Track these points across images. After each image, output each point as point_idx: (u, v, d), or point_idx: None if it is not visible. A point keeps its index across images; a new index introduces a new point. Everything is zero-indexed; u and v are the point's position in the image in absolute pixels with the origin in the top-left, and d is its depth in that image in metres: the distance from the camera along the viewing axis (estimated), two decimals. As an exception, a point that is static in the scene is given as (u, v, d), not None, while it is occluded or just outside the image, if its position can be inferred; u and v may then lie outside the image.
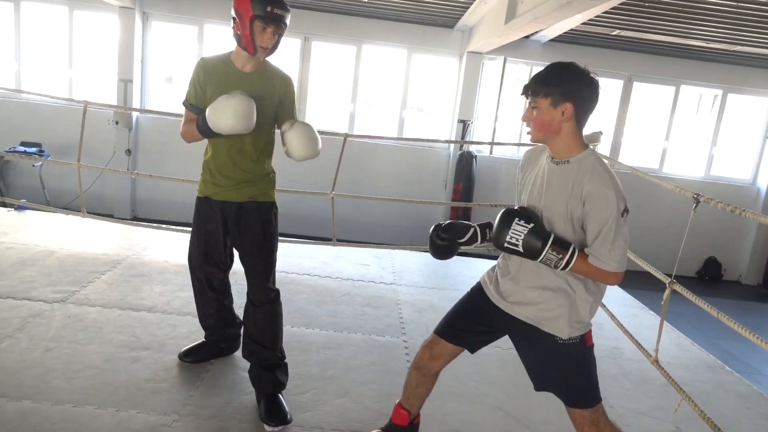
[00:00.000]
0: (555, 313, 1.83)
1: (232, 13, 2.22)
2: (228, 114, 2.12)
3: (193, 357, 2.78)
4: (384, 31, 9.28)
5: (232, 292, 2.81)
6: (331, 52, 9.64)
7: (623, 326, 3.42)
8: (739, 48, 7.65)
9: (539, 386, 1.99)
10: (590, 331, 1.92)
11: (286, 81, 2.40)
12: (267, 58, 2.34)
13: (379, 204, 8.77)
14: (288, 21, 2.25)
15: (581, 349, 1.88)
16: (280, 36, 2.25)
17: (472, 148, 9.31)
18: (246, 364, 2.60)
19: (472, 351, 2.09)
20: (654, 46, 8.35)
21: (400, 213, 9.46)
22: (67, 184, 8.57)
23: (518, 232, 1.75)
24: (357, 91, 9.58)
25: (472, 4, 7.54)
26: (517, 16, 6.49)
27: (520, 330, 1.92)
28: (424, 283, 4.41)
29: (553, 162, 1.83)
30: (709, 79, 8.99)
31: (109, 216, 6.16)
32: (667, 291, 2.87)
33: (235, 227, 2.45)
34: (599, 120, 9.02)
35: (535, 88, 1.79)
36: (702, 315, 3.05)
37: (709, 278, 9.01)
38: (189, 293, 3.56)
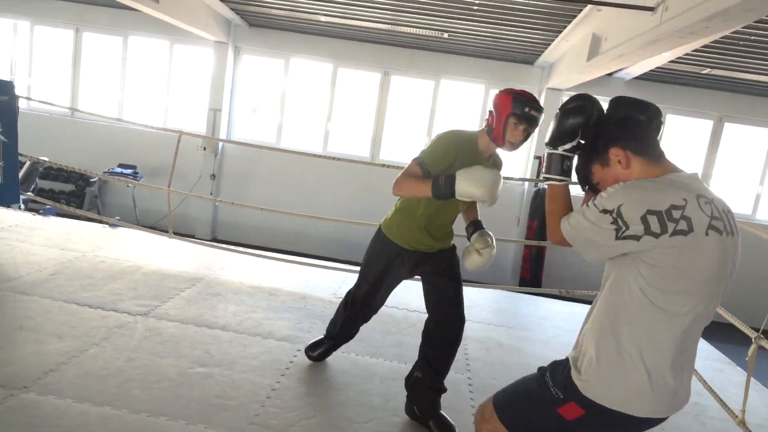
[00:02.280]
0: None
1: (491, 106, 2.44)
2: (483, 185, 2.30)
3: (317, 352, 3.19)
4: (462, 66, 9.39)
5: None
6: (410, 86, 9.83)
7: (706, 381, 3.19)
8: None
9: None
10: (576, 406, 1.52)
11: (501, 164, 2.69)
12: None
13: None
14: (539, 122, 2.41)
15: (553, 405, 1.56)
16: (528, 134, 2.43)
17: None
18: (312, 388, 2.63)
19: None
20: (747, 85, 7.93)
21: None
22: (156, 205, 9.17)
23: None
24: (433, 124, 9.69)
25: (553, 41, 7.50)
26: (600, 54, 6.38)
27: None
28: (492, 320, 4.32)
29: None
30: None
31: (191, 236, 6.51)
32: (753, 346, 2.68)
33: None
34: (687, 162, 8.59)
35: (578, 180, 1.73)
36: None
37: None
38: (261, 314, 3.71)
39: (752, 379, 2.81)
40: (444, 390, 2.74)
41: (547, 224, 1.68)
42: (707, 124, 8.73)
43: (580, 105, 1.67)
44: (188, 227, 9.38)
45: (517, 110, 2.33)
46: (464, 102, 9.79)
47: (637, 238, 1.42)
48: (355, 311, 2.92)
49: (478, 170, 2.31)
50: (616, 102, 1.66)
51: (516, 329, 4.21)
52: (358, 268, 5.02)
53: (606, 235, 1.46)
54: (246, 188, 9.66)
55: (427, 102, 9.67)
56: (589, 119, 1.65)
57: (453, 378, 3.24)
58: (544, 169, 1.71)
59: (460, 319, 2.69)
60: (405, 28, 8.09)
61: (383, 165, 5.63)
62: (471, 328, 4.08)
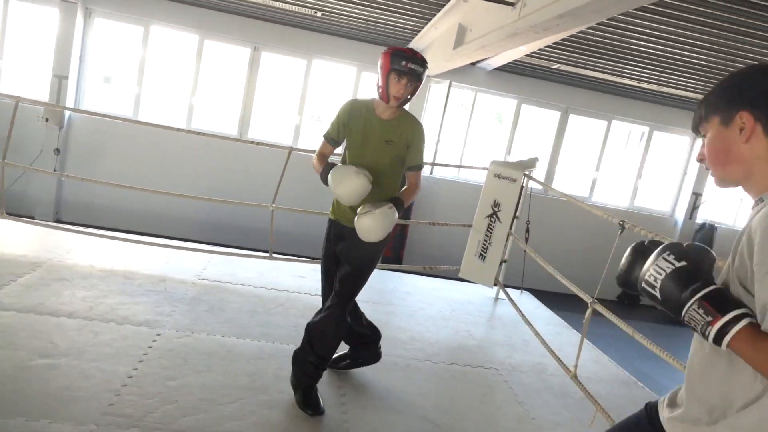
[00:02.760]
0: None
1: (378, 66, 2.54)
2: (344, 188, 2.46)
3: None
4: (335, 46, 9.35)
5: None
6: (281, 64, 9.61)
7: (547, 343, 3.55)
8: (665, 89, 8.20)
9: None
10: None
11: (415, 129, 2.64)
12: (406, 108, 2.66)
13: (316, 218, 8.76)
14: (424, 77, 2.53)
15: None
16: (414, 89, 2.54)
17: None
18: (174, 373, 2.51)
19: None
20: (590, 81, 8.82)
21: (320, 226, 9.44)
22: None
23: (661, 269, 1.15)
24: (304, 104, 9.58)
25: (423, 27, 7.73)
26: (465, 43, 6.71)
27: None
28: (359, 297, 4.42)
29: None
30: (638, 116, 9.56)
31: (29, 218, 5.85)
32: (589, 310, 3.02)
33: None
34: (535, 148, 9.40)
35: (700, 112, 1.27)
36: (620, 336, 3.22)
37: (628, 302, 9.47)
38: (115, 299, 3.46)
39: (585, 340, 3.18)
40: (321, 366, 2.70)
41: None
42: (555, 115, 9.58)
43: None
44: (26, 208, 8.39)
45: (396, 65, 2.45)
46: (337, 83, 9.79)
47: None
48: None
49: (347, 172, 2.46)
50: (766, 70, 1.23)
51: (381, 305, 4.35)
52: (224, 249, 4.87)
53: None
54: (96, 165, 8.82)
55: (299, 81, 9.53)
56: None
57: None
58: (700, 330, 1.09)
59: (331, 310, 2.67)
60: (277, 3, 7.87)
61: (252, 142, 5.46)
62: (339, 306, 4.15)
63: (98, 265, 4.04)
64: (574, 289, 3.36)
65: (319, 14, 8.17)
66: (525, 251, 4.58)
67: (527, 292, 5.25)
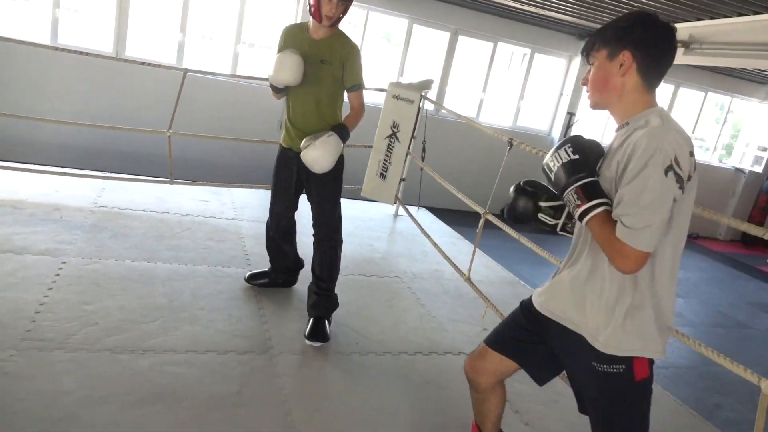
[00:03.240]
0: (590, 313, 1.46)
1: None
2: (278, 67, 2.54)
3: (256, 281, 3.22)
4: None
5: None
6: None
7: (444, 252, 3.93)
8: (546, 12, 8.65)
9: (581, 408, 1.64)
10: (647, 360, 1.45)
11: (348, 48, 2.66)
12: (341, 29, 2.68)
13: (212, 143, 8.49)
14: None
15: (624, 381, 1.45)
16: (345, 8, 2.58)
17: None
18: (88, 297, 2.53)
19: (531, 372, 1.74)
20: (478, 2, 9.05)
21: (234, 153, 9.25)
22: None
23: (559, 158, 1.44)
24: (187, 19, 8.95)
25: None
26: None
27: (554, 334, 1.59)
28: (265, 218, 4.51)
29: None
30: (521, 38, 10.04)
31: None
32: (482, 220, 3.38)
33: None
34: (427, 69, 9.63)
35: (593, 42, 1.49)
36: (506, 245, 3.64)
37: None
38: (6, 230, 3.32)
39: (477, 248, 3.55)
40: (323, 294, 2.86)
41: (612, 260, 1.35)
42: (445, 36, 9.79)
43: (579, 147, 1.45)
44: None
45: None
46: (221, -2, 9.20)
47: (685, 183, 1.34)
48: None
49: (276, 57, 2.58)
50: (654, 21, 1.43)
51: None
52: (116, 175, 4.68)
53: (675, 196, 1.33)
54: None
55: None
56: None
57: (236, 272, 3.40)
58: (572, 210, 1.42)
59: (329, 242, 2.87)
60: None
61: (143, 63, 5.12)
62: (245, 227, 4.23)
63: (-22, 196, 3.76)
64: (468, 202, 3.71)
65: None
66: (422, 170, 4.87)
67: (424, 209, 5.62)
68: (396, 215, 5.27)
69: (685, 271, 9.39)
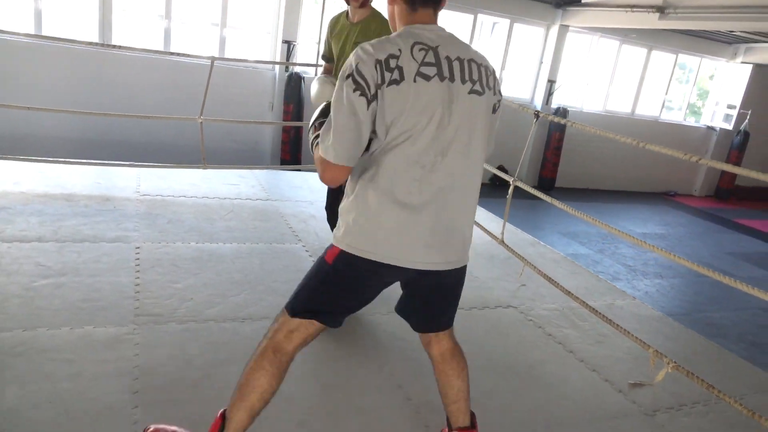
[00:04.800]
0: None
1: None
2: (314, 96, 2.86)
3: None
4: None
5: None
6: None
7: (480, 224, 4.25)
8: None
9: None
10: (338, 249, 1.59)
11: (379, 25, 2.65)
12: (377, 9, 2.71)
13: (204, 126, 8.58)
14: None
15: (320, 259, 1.66)
16: None
17: (299, 69, 9.49)
18: (174, 277, 2.79)
19: None
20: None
21: (226, 136, 9.35)
22: None
23: (319, 109, 1.72)
24: (171, 6, 8.92)
25: None
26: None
27: None
28: (297, 197, 4.76)
29: None
30: (501, 9, 10.31)
31: None
32: (512, 187, 3.70)
33: None
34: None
35: None
36: (516, 213, 3.93)
37: (499, 183, 10.76)
38: (73, 221, 3.51)
39: (491, 214, 3.87)
40: None
41: (319, 175, 1.58)
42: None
43: None
44: None
45: None
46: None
47: (376, 92, 1.42)
48: None
49: (315, 82, 2.89)
50: None
51: (320, 203, 4.73)
52: (153, 163, 4.84)
53: (360, 108, 1.42)
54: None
55: (163, -20, 8.77)
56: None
57: (291, 248, 3.65)
58: (311, 140, 1.66)
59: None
60: None
61: (115, 46, 5.22)
62: (281, 206, 4.47)
63: (29, 191, 3.90)
64: (496, 171, 4.02)
65: None
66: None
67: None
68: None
69: (668, 227, 10.00)
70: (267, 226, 4.00)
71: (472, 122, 1.54)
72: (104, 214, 3.71)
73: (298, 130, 9.36)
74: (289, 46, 9.59)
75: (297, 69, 9.49)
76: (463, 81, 1.51)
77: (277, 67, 9.50)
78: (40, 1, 8.19)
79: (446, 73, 1.47)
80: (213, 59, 4.52)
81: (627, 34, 11.05)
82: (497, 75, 1.63)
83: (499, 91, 1.63)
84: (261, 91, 9.66)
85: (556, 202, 3.42)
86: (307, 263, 3.45)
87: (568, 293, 3.11)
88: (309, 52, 9.61)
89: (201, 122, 4.55)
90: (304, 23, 9.49)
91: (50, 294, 2.65)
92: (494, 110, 1.63)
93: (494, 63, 10.67)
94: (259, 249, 3.57)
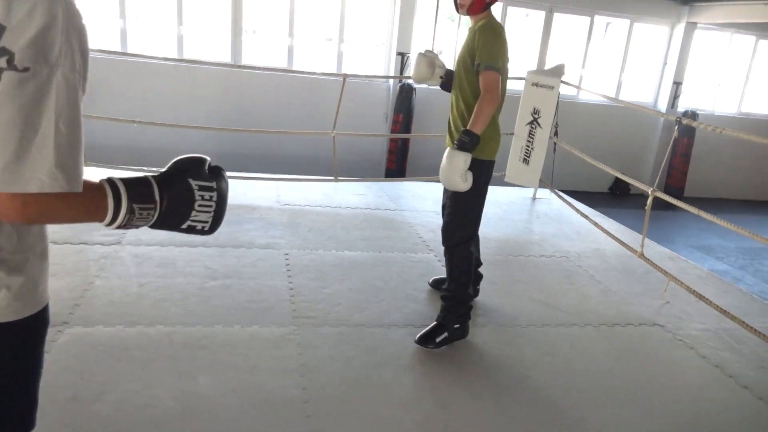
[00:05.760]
0: None
1: None
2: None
3: None
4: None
5: None
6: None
7: (607, 230, 4.15)
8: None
9: None
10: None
11: (479, 30, 2.51)
12: (491, 17, 2.57)
13: (322, 139, 9.03)
14: None
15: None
16: None
17: (411, 80, 9.67)
18: (322, 283, 3.01)
19: None
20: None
21: (343, 147, 9.72)
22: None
23: None
24: (293, 23, 9.49)
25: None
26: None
27: None
28: (423, 208, 4.89)
29: None
30: (620, 9, 9.89)
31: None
32: (650, 198, 3.57)
33: None
34: (522, 51, 9.70)
35: None
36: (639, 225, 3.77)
37: (619, 192, 10.29)
38: (226, 228, 3.83)
39: (622, 226, 3.73)
40: (444, 298, 2.75)
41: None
42: (539, 15, 9.82)
43: None
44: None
45: None
46: (324, 1, 9.68)
47: None
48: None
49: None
50: None
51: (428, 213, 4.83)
52: (291, 176, 5.20)
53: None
54: (92, 103, 8.70)
55: (286, 1, 9.37)
56: None
57: (425, 258, 3.77)
58: None
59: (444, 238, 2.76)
60: None
61: (305, 73, 5.61)
62: (409, 216, 4.62)
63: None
64: (631, 181, 3.91)
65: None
66: (554, 153, 5.10)
67: (556, 190, 5.82)
68: (534, 198, 5.51)
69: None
70: (398, 235, 4.16)
71: None
72: (253, 222, 4.05)
73: (405, 140, 9.56)
74: (402, 57, 9.84)
75: (409, 80, 9.68)
76: None
77: (390, 78, 9.76)
78: (182, 28, 9.08)
79: None
80: (345, 76, 4.77)
81: (765, 29, 10.15)
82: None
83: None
84: (376, 102, 9.97)
85: (706, 215, 3.25)
86: (441, 272, 3.55)
87: (724, 312, 2.95)
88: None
89: (334, 136, 4.82)
90: (418, 35, 9.67)
91: (221, 294, 2.95)
92: None
93: (612, 65, 10.25)
94: (394, 258, 3.73)
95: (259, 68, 5.37)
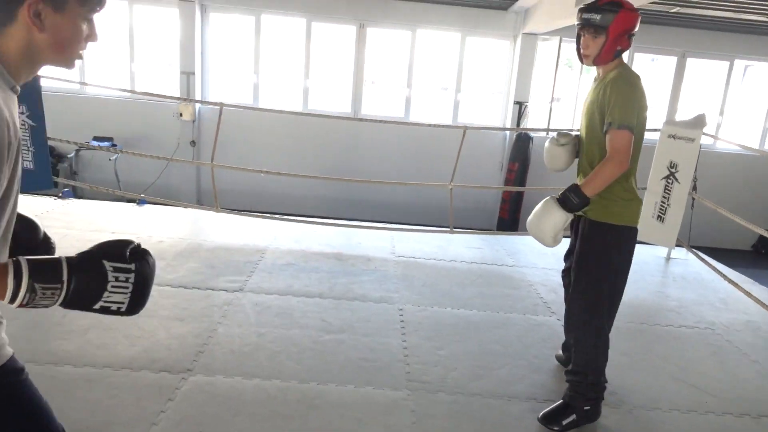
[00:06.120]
0: None
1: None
2: (546, 157, 2.68)
3: None
4: (438, 14, 9.38)
5: None
6: (387, 38, 9.78)
7: (761, 301, 3.64)
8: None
9: None
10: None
11: (609, 83, 2.25)
12: (623, 67, 2.31)
13: (433, 189, 9.01)
14: (609, 21, 2.18)
15: None
16: (602, 40, 2.21)
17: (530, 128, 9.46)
18: (438, 343, 2.87)
19: None
20: (709, 21, 8.41)
21: (456, 196, 9.63)
22: (138, 177, 8.81)
23: None
24: (412, 75, 9.72)
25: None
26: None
27: None
28: (544, 264, 4.62)
29: None
30: (763, 52, 9.05)
31: (239, 210, 6.40)
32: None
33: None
34: (653, 98, 9.13)
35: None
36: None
37: (765, 251, 9.17)
38: (343, 279, 3.86)
39: None
40: (570, 380, 2.48)
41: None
42: (672, 60, 9.24)
43: None
44: (172, 195, 9.10)
45: (576, 20, 2.26)
46: (442, 51, 9.85)
47: None
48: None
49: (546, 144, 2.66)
50: None
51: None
52: (406, 226, 5.16)
53: None
54: (225, 153, 9.39)
55: (405, 53, 9.66)
56: None
57: (547, 321, 3.51)
58: None
59: (569, 313, 2.53)
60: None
61: (368, 120, 5.68)
62: (529, 273, 4.36)
63: (307, 248, 4.45)
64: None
65: (426, -17, 8.22)
66: (692, 208, 4.63)
67: (694, 250, 5.26)
68: (668, 258, 5.02)
69: None
70: (517, 294, 3.93)
71: None
72: (368, 274, 4.04)
73: (519, 194, 9.27)
74: (520, 107, 9.68)
75: (527, 130, 9.47)
76: None
77: (509, 130, 9.61)
78: (307, 81, 9.65)
79: None
80: (465, 128, 4.72)
81: None
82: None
83: None
84: (492, 151, 9.84)
85: None
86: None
87: None
88: (541, 113, 9.55)
89: (451, 188, 4.74)
90: (537, 83, 9.48)
91: (335, 350, 2.92)
92: None
93: (753, 111, 9.40)
94: (513, 319, 3.51)
95: (377, 120, 5.47)
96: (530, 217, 2.33)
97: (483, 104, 10.27)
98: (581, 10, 2.23)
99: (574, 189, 2.23)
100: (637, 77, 2.32)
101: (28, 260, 1.00)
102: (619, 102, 2.20)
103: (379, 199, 9.43)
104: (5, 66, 1.06)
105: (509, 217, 9.68)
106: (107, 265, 1.05)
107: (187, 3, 8.92)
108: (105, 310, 1.08)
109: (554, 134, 2.62)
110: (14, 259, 1.00)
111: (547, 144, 2.62)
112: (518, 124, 9.61)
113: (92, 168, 9.21)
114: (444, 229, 4.90)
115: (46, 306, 1.04)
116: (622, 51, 2.27)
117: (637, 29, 2.29)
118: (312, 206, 9.18)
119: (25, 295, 1.00)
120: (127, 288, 1.07)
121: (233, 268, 3.88)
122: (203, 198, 9.66)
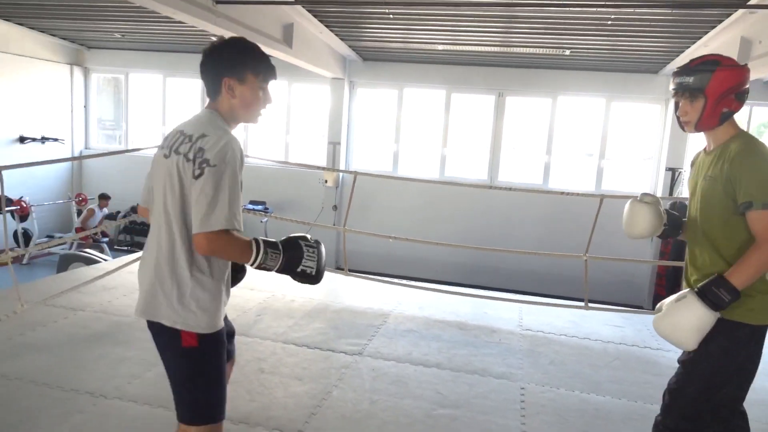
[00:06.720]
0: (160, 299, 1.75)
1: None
2: (626, 221, 2.25)
3: None
4: (580, 81, 9.17)
5: None
6: (526, 106, 9.74)
7: None
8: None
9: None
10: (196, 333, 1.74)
11: (734, 153, 1.93)
12: (741, 133, 2.00)
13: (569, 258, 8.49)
14: (706, 83, 1.92)
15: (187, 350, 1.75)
16: (684, 109, 1.98)
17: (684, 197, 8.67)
18: (560, 429, 2.58)
19: None
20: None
21: (599, 267, 9.00)
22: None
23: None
24: (552, 142, 9.50)
25: (688, 48, 7.18)
26: (752, 58, 6.13)
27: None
28: (695, 350, 4.07)
29: None
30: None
31: (367, 273, 6.66)
32: None
33: None
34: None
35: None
36: None
37: None
38: (464, 350, 3.72)
39: None
40: None
41: None
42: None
43: None
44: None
45: (672, 85, 2.00)
46: (583, 117, 9.56)
47: None
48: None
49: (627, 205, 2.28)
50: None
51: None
52: (536, 298, 4.92)
53: None
54: (365, 216, 9.81)
55: (545, 120, 9.51)
56: None
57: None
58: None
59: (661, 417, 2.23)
60: (518, 48, 8.04)
61: (508, 189, 5.49)
62: (674, 358, 3.86)
63: (429, 315, 4.40)
64: None
65: (567, 52, 8.11)
66: None
67: None
68: None
69: None
70: (660, 382, 3.42)
71: (161, 184, 1.74)
72: (491, 347, 3.86)
73: (677, 269, 8.36)
74: (673, 173, 8.94)
75: (682, 196, 8.68)
76: (168, 150, 1.74)
77: (659, 194, 8.89)
78: (445, 149, 9.87)
79: (165, 149, 1.76)
80: (602, 197, 4.45)
81: None
82: (214, 147, 1.65)
83: (198, 159, 1.65)
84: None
85: None
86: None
87: None
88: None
89: (586, 260, 4.44)
90: (691, 149, 8.75)
91: (447, 426, 2.79)
92: (189, 175, 1.66)
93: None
94: (654, 412, 3.08)
95: (506, 188, 5.37)
96: (662, 317, 1.99)
97: (630, 171, 9.66)
98: (674, 74, 1.99)
99: (722, 282, 1.87)
100: (763, 146, 1.96)
101: (260, 239, 1.68)
102: (756, 178, 1.88)
103: (511, 267, 9.14)
104: (224, 120, 1.75)
105: (668, 294, 8.77)
106: (302, 243, 1.74)
107: (338, 80, 9.72)
108: (303, 273, 1.73)
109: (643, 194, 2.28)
110: (254, 238, 1.66)
111: (627, 204, 2.27)
112: (671, 192, 8.86)
113: (246, 230, 10.07)
114: (578, 303, 4.56)
115: (270, 268, 1.69)
116: (731, 113, 1.95)
117: (747, 86, 1.97)
118: (441, 271, 9.15)
119: (262, 257, 1.66)
120: (314, 257, 1.74)
121: (356, 331, 3.94)
122: (341, 259, 10.10)
